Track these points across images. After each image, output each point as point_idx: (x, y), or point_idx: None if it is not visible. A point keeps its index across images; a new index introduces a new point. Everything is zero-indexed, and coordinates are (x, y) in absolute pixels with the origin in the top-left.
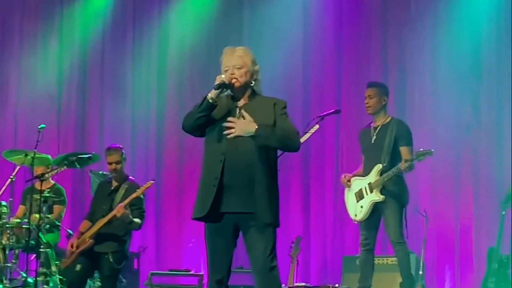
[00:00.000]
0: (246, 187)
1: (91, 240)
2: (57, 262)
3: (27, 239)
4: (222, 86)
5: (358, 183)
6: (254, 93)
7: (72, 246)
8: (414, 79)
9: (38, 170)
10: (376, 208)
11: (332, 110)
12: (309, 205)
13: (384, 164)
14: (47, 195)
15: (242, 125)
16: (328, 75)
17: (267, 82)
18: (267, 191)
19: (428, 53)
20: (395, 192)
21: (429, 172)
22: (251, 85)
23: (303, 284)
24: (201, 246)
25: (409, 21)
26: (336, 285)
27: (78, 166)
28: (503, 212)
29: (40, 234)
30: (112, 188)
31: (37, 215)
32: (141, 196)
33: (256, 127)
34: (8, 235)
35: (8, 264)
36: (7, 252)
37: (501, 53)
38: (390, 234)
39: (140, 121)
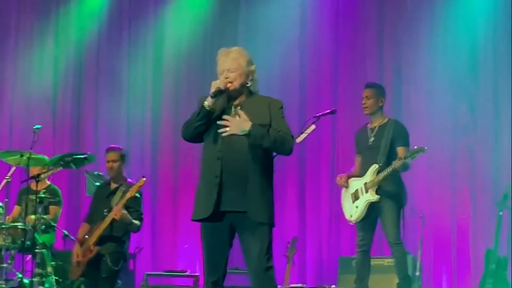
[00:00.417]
0: (240, 185)
1: (96, 248)
2: (52, 263)
3: (22, 239)
4: (218, 93)
5: (355, 184)
6: (250, 93)
7: (77, 256)
8: (410, 79)
9: (34, 171)
10: (372, 209)
11: (328, 111)
12: (305, 205)
13: (380, 164)
14: (43, 195)
15: (236, 123)
16: (324, 75)
17: (263, 82)
18: (260, 190)
19: (424, 53)
20: (392, 192)
21: (425, 172)
22: (248, 85)
23: (299, 285)
24: (196, 247)
25: (405, 21)
26: (332, 286)
27: (73, 166)
28: (500, 213)
29: (35, 234)
30: (111, 190)
31: (33, 216)
32: (138, 196)
33: (250, 125)
34: (3, 236)
35: (4, 265)
36: (2, 253)
37: (498, 52)
38: (387, 235)
39: (136, 122)
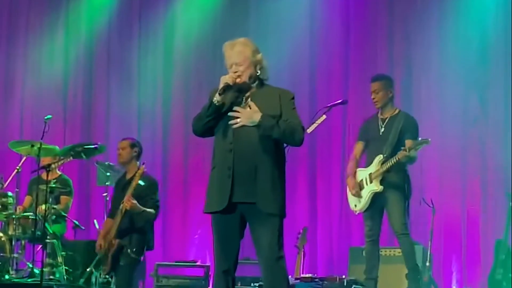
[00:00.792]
0: (251, 177)
1: (116, 241)
2: (63, 253)
3: (33, 229)
4: (227, 88)
5: (360, 174)
6: (261, 83)
7: (100, 247)
8: (421, 71)
9: (45, 161)
10: (377, 199)
11: (339, 101)
12: (315, 196)
13: (385, 155)
14: (53, 185)
15: (247, 114)
16: (335, 66)
17: (273, 73)
18: (270, 181)
19: (434, 44)
20: (397, 184)
21: (436, 163)
22: (257, 74)
23: (310, 275)
24: (207, 237)
25: (416, 13)
26: (343, 276)
27: (84, 156)
28: (510, 204)
29: (46, 224)
30: (126, 181)
31: (44, 206)
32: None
33: (261, 116)
34: (14, 226)
35: (15, 255)
36: (13, 243)
37: (509, 44)
38: (393, 226)
39: (146, 113)
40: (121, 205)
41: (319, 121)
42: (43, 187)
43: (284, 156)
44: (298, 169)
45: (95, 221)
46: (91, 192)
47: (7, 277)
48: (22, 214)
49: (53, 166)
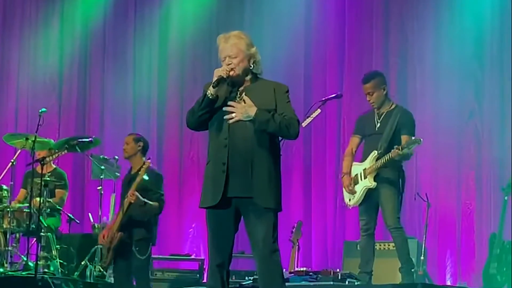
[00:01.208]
0: (247, 171)
1: (119, 233)
2: (57, 246)
3: (28, 223)
4: (221, 81)
5: (355, 168)
6: (255, 76)
7: (104, 237)
8: (416, 65)
9: (41, 154)
10: (371, 194)
11: (334, 95)
12: (310, 190)
13: (380, 151)
14: (48, 179)
15: (242, 109)
16: (330, 59)
17: (268, 67)
18: (266, 175)
19: (430, 38)
20: (391, 179)
21: (431, 158)
22: (251, 68)
23: (304, 269)
24: (202, 231)
25: (412, 6)
26: (337, 270)
27: (79, 150)
28: (506, 198)
29: (41, 218)
30: (131, 176)
31: (38, 199)
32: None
33: (256, 111)
34: (9, 219)
35: (9, 248)
36: (8, 236)
37: (505, 38)
38: (386, 220)
39: (142, 106)
40: (125, 199)
41: (314, 115)
42: (37, 180)
43: (279, 150)
44: (292, 163)
45: (89, 214)
46: (85, 186)
47: (1, 270)
48: (16, 207)
49: (47, 159)
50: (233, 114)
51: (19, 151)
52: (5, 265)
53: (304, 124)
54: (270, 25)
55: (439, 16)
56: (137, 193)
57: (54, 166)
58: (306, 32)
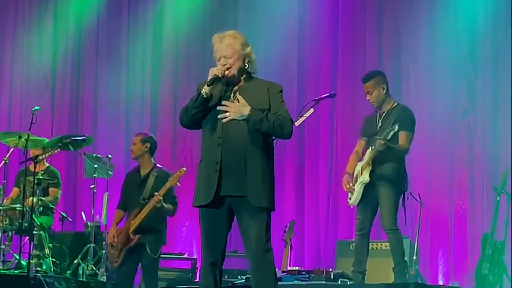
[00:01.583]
0: (240, 170)
1: (137, 236)
2: (50, 245)
3: (20, 221)
4: (215, 80)
5: (357, 167)
6: (249, 76)
7: (114, 238)
8: (410, 64)
9: (35, 153)
10: (368, 191)
11: (327, 94)
12: (303, 189)
13: (374, 147)
14: (41, 177)
15: (236, 108)
16: (323, 58)
17: (262, 66)
18: (260, 174)
19: (424, 37)
20: (390, 178)
21: (424, 156)
22: (245, 67)
23: (297, 268)
24: (194, 229)
25: (405, 5)
26: (330, 270)
27: (72, 148)
28: (498, 198)
29: (33, 216)
30: (142, 177)
31: (34, 198)
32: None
33: (250, 110)
34: (1, 217)
35: (1, 246)
36: (0, 235)
37: (498, 37)
38: (383, 220)
39: (135, 105)
40: (145, 201)
41: (307, 114)
42: (30, 178)
43: (272, 149)
44: (285, 162)
45: (82, 213)
46: (78, 184)
47: None
48: (9, 205)
49: (40, 157)
50: (227, 113)
51: (12, 149)
52: None
53: (297, 124)
54: (264, 24)
55: (433, 16)
56: (161, 198)
57: (47, 164)
58: (299, 31)
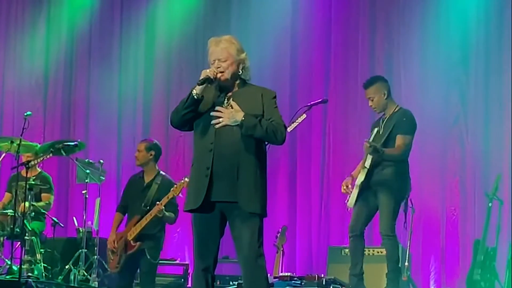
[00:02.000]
0: (232, 176)
1: (138, 243)
2: (42, 250)
3: (12, 226)
4: (206, 81)
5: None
6: (243, 82)
7: (114, 243)
8: (401, 69)
9: (26, 158)
10: (366, 196)
11: (319, 100)
12: (295, 195)
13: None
14: (33, 182)
15: (229, 114)
16: (316, 64)
17: (255, 72)
18: (252, 180)
19: (416, 42)
20: (391, 184)
21: (415, 163)
22: (239, 74)
23: (289, 274)
24: (186, 235)
25: (398, 10)
26: (322, 275)
27: (64, 153)
28: (490, 204)
29: (25, 221)
30: (145, 184)
31: (27, 203)
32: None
33: (243, 116)
34: None
35: None
36: None
37: (490, 42)
38: (380, 226)
39: (127, 110)
40: (147, 208)
41: (299, 120)
42: (22, 184)
43: (265, 155)
44: (277, 168)
45: (74, 218)
46: (70, 190)
47: None
48: (1, 211)
49: (32, 163)
50: (220, 119)
51: (4, 154)
52: None
53: (289, 129)
54: (256, 28)
55: (425, 22)
56: (163, 208)
57: (39, 169)
58: (292, 37)
